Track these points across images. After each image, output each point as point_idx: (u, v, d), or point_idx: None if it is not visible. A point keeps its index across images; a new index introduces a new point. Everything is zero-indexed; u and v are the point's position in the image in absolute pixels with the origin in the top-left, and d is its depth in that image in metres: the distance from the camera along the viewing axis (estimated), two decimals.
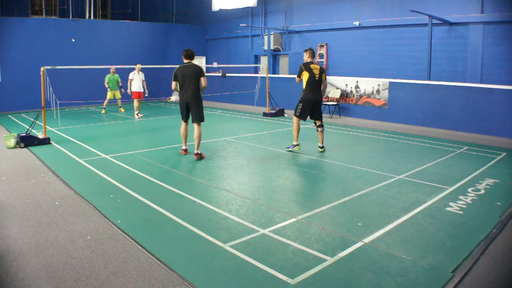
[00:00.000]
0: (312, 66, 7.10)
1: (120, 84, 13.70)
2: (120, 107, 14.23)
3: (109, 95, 13.60)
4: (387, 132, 9.81)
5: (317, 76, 7.08)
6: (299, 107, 7.23)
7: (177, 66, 6.90)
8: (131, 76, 12.65)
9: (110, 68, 13.46)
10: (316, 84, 7.13)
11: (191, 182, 5.64)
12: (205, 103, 18.05)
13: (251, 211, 4.51)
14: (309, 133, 9.61)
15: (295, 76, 7.65)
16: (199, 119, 6.89)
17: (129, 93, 12.77)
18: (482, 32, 10.76)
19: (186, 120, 7.03)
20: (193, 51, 6.94)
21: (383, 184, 5.45)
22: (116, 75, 13.58)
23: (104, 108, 13.93)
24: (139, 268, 3.20)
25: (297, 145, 7.45)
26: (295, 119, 7.32)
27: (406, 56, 12.52)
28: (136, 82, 12.58)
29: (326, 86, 7.33)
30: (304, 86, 7.15)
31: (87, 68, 13.41)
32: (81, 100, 14.49)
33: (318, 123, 7.39)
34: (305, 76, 7.09)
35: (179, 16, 20.96)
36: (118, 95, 13.73)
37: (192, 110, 6.85)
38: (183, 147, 7.29)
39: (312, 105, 7.21)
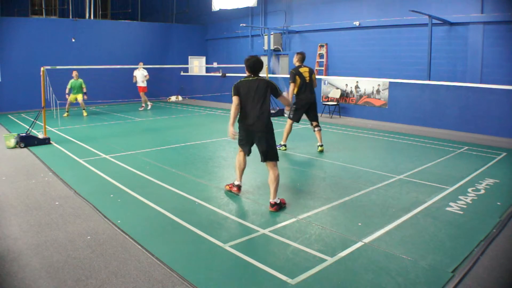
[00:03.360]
0: (301, 69, 7.17)
1: (85, 90, 13.12)
2: (84, 109, 13.52)
3: (71, 98, 13.00)
4: (387, 132, 9.81)
5: (307, 78, 7.16)
6: (293, 109, 7.29)
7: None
8: (134, 73, 14.40)
9: (73, 72, 12.90)
10: (308, 86, 7.18)
11: (191, 182, 5.64)
12: (205, 103, 18.07)
13: (251, 211, 4.51)
14: (308, 133, 9.62)
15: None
16: (274, 156, 4.66)
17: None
18: (482, 32, 10.76)
19: (249, 154, 4.92)
20: (259, 60, 4.82)
21: (383, 184, 5.45)
22: (80, 80, 13.06)
23: (67, 112, 13.24)
24: (139, 268, 3.20)
25: (284, 145, 7.58)
26: (288, 121, 7.44)
27: (406, 56, 12.52)
28: (139, 78, 14.30)
29: (315, 85, 7.42)
30: (296, 90, 7.14)
31: (87, 68, 13.40)
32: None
33: (314, 123, 7.43)
34: (297, 80, 7.13)
35: (179, 16, 20.95)
36: (80, 98, 13.07)
37: (261, 142, 4.64)
38: (236, 182, 5.09)
39: (306, 107, 7.28)
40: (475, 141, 8.55)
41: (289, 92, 7.04)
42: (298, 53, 7.33)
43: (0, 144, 8.29)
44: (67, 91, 13.07)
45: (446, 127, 10.11)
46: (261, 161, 4.66)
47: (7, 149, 7.86)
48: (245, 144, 4.81)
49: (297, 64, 7.27)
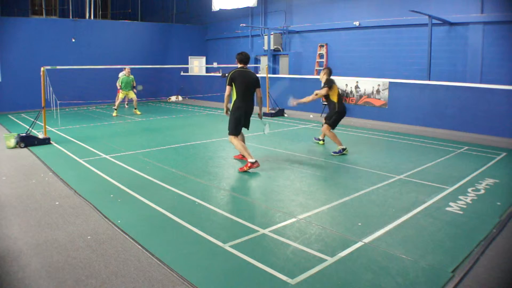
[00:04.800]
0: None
1: (134, 84, 13.33)
2: (135, 108, 13.63)
3: (121, 95, 13.21)
4: (387, 132, 9.81)
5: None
6: (335, 117, 7.41)
7: (234, 70, 6.22)
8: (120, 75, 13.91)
9: (124, 68, 13.15)
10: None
11: (191, 182, 5.64)
12: (205, 103, 18.06)
13: (251, 211, 4.51)
14: (308, 133, 9.62)
15: (295, 76, 7.73)
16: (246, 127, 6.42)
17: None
18: (482, 32, 10.77)
19: (240, 133, 6.33)
20: (248, 55, 6.34)
21: (383, 184, 5.45)
22: (132, 76, 13.21)
23: (115, 109, 13.28)
24: (139, 268, 3.20)
25: (345, 148, 7.32)
26: (327, 127, 7.42)
27: (406, 56, 12.52)
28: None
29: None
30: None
31: (87, 68, 13.40)
32: (81, 100, 14.47)
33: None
34: (335, 89, 7.39)
35: (179, 16, 20.96)
36: (132, 95, 13.32)
37: (248, 119, 6.31)
38: (252, 160, 6.03)
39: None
40: (475, 141, 8.55)
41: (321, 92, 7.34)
42: (326, 68, 7.64)
43: (0, 144, 8.29)
44: (119, 86, 13.19)
45: (446, 127, 10.11)
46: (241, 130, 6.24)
47: (7, 149, 7.86)
48: (241, 125, 6.21)
49: (325, 77, 7.49)
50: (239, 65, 6.24)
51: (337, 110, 7.34)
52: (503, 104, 9.20)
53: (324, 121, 7.57)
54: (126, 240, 3.72)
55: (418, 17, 11.45)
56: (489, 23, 10.60)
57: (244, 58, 6.22)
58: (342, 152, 7.20)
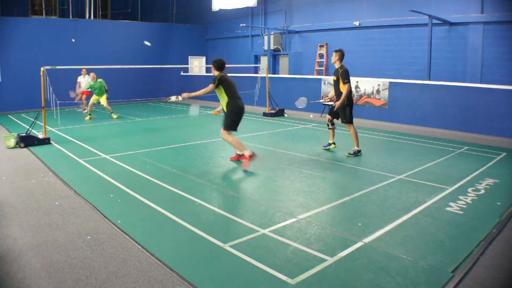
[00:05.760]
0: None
1: (106, 88, 12.71)
2: (111, 112, 13.03)
3: (93, 99, 12.67)
4: (387, 132, 9.81)
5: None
6: (348, 111, 7.10)
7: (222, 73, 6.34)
8: (79, 79, 13.50)
9: (90, 74, 12.54)
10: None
11: (191, 182, 5.64)
12: (205, 103, 18.06)
13: (251, 211, 4.51)
14: (308, 133, 9.62)
15: (295, 76, 7.68)
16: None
17: (75, 96, 13.22)
18: (482, 32, 10.76)
19: (235, 129, 6.48)
20: (224, 61, 6.49)
21: (383, 184, 5.45)
22: (100, 80, 12.49)
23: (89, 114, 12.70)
24: (139, 268, 3.20)
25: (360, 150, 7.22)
26: (351, 125, 7.13)
27: (406, 56, 12.52)
28: (84, 84, 13.35)
29: None
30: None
31: (87, 68, 13.39)
32: (81, 100, 14.44)
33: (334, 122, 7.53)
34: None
35: (179, 16, 20.96)
36: (103, 100, 12.63)
37: (241, 118, 6.51)
38: (248, 152, 6.23)
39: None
40: (475, 141, 8.55)
41: (346, 92, 6.92)
42: (338, 51, 7.18)
43: (0, 144, 8.29)
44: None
45: (446, 127, 10.11)
46: (236, 130, 6.41)
47: (7, 149, 7.86)
48: (237, 123, 6.41)
49: (338, 64, 7.14)
50: (216, 73, 6.33)
51: (348, 102, 7.04)
52: (503, 104, 9.20)
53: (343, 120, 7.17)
54: (126, 240, 3.72)
55: (418, 17, 11.45)
56: (489, 23, 10.60)
57: (222, 65, 6.40)
58: (358, 154, 7.07)
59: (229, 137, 6.38)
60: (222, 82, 6.25)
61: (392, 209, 4.51)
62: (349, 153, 7.14)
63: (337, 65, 7.19)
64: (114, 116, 12.70)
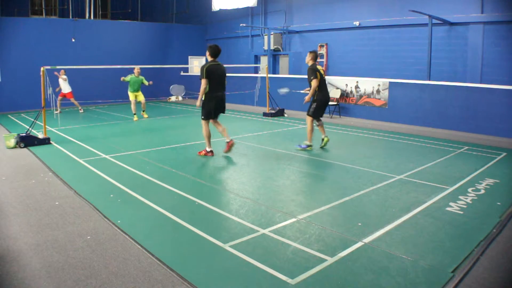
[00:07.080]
0: (319, 67, 7.49)
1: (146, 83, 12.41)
2: (144, 110, 12.72)
3: (131, 97, 12.20)
4: (387, 132, 9.81)
5: (324, 75, 7.56)
6: (314, 107, 7.50)
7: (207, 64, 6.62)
8: (60, 82, 13.32)
9: (134, 68, 12.19)
10: (325, 84, 7.61)
11: (191, 182, 5.64)
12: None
13: (251, 211, 4.51)
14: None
15: (294, 76, 7.82)
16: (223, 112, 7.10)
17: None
18: (482, 32, 10.76)
19: (213, 117, 6.93)
20: (219, 48, 6.76)
21: (383, 184, 5.45)
22: (141, 76, 12.26)
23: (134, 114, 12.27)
24: (139, 268, 3.20)
25: (310, 145, 7.59)
26: (309, 119, 7.55)
27: (406, 56, 12.52)
28: (65, 85, 13.34)
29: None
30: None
31: (87, 68, 13.40)
32: (81, 100, 14.45)
33: (321, 119, 7.84)
34: (318, 77, 7.40)
35: (179, 16, 20.96)
36: (141, 98, 12.39)
37: (221, 106, 6.92)
38: (209, 149, 7.10)
39: (326, 104, 7.71)
40: (475, 141, 8.55)
41: (312, 88, 7.29)
42: (311, 52, 7.47)
43: (0, 144, 8.29)
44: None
45: (446, 127, 10.11)
46: (214, 118, 6.91)
47: (7, 149, 7.86)
48: (213, 112, 6.78)
49: (311, 62, 7.44)
50: (210, 59, 6.64)
51: (316, 99, 7.48)
52: (503, 104, 9.20)
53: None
54: (126, 240, 3.72)
55: (418, 17, 11.45)
56: (489, 23, 10.60)
57: (216, 52, 6.62)
58: (306, 148, 7.52)
59: (204, 126, 6.89)
60: (209, 75, 6.52)
61: (392, 209, 4.50)
62: (299, 145, 7.59)
63: (309, 64, 7.53)
64: (145, 116, 12.66)
